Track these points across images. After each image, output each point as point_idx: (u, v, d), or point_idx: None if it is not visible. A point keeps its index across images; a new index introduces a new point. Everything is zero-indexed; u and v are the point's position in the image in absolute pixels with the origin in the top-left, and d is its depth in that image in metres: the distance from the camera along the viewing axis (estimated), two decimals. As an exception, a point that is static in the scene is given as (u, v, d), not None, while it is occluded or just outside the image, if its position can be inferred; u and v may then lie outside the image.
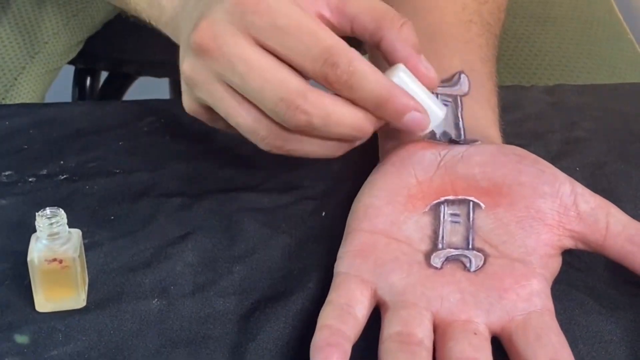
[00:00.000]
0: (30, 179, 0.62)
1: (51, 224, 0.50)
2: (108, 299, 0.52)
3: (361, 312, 0.49)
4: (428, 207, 0.53)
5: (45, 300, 0.51)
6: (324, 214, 0.59)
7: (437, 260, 0.50)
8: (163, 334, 0.50)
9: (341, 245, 0.53)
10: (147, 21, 0.62)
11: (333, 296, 0.49)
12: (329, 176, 0.63)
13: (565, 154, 0.64)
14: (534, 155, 0.54)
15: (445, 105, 0.57)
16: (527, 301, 0.48)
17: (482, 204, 0.52)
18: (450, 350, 0.46)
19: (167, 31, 0.59)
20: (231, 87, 0.51)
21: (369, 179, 0.55)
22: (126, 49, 1.04)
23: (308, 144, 0.52)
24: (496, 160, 0.53)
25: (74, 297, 0.51)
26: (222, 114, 0.52)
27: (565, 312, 0.51)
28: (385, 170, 0.55)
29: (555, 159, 0.56)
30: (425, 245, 0.51)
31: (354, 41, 0.52)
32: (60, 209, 0.50)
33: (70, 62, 0.93)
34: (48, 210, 0.50)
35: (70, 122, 0.68)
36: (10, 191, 0.60)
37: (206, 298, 0.52)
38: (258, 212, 0.59)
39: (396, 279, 0.50)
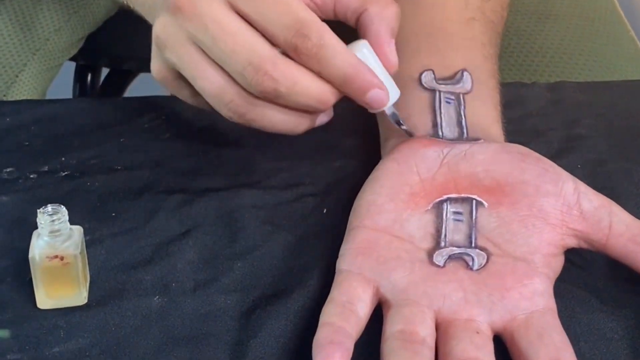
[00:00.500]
0: (31, 176, 0.61)
1: (52, 220, 0.50)
2: (109, 296, 0.52)
3: (363, 310, 0.48)
4: (430, 205, 0.53)
5: (47, 297, 0.51)
6: (325, 211, 0.59)
7: (439, 258, 0.50)
8: (164, 331, 0.50)
9: (343, 243, 0.52)
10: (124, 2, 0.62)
11: (335, 294, 0.49)
12: (329, 173, 0.62)
13: (567, 152, 0.64)
14: (537, 154, 0.54)
15: (448, 103, 0.57)
16: (530, 300, 0.48)
17: (485, 203, 0.52)
18: (453, 349, 0.46)
19: (143, 9, 0.60)
20: (201, 50, 0.51)
21: (371, 176, 0.55)
22: (127, 46, 1.03)
23: (270, 113, 0.52)
24: (499, 159, 0.53)
25: (75, 294, 0.51)
26: (188, 76, 0.53)
27: (567, 309, 0.51)
28: (387, 168, 0.55)
29: (556, 157, 0.56)
30: (427, 244, 0.51)
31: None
32: (62, 206, 0.50)
33: (72, 59, 0.93)
34: (49, 207, 0.50)
35: (72, 118, 0.68)
36: (11, 188, 0.60)
37: (207, 295, 0.52)
38: (259, 209, 0.59)
39: (398, 277, 0.49)
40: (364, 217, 0.53)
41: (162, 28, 0.53)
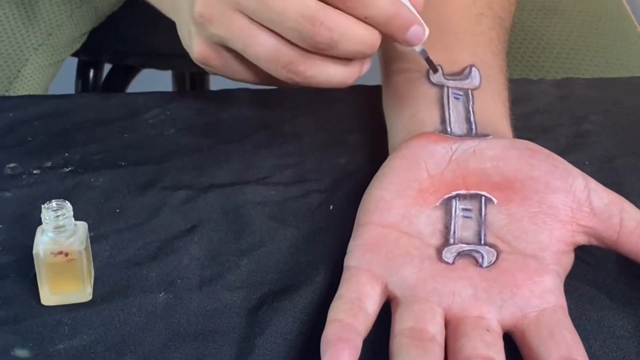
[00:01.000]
0: (34, 171, 0.61)
1: (57, 216, 0.49)
2: (114, 292, 0.52)
3: (372, 306, 0.48)
4: (439, 201, 0.52)
5: (51, 294, 0.51)
6: (331, 207, 0.59)
7: (448, 255, 0.50)
8: (170, 328, 0.50)
9: (351, 239, 0.52)
10: None
11: (343, 290, 0.49)
12: (335, 169, 0.62)
13: (574, 148, 0.64)
14: (547, 150, 0.53)
15: (457, 99, 0.57)
16: (540, 298, 0.48)
17: (494, 199, 0.52)
18: (463, 346, 0.46)
19: None
20: (248, 17, 0.52)
21: (380, 172, 0.55)
22: (130, 41, 1.03)
23: (326, 66, 0.53)
24: (508, 155, 0.52)
25: (80, 291, 0.51)
26: (239, 46, 0.53)
27: (577, 307, 0.51)
28: (396, 164, 0.54)
29: (564, 153, 0.55)
30: (436, 240, 0.51)
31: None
32: (67, 202, 0.50)
33: (74, 54, 0.92)
34: (54, 203, 0.50)
35: (75, 114, 0.67)
36: (14, 183, 0.60)
37: (213, 292, 0.52)
38: (265, 205, 0.59)
39: (408, 274, 0.49)
40: (373, 213, 0.52)
41: (203, 4, 0.52)
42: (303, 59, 0.52)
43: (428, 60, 0.56)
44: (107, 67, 1.11)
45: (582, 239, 0.51)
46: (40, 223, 0.50)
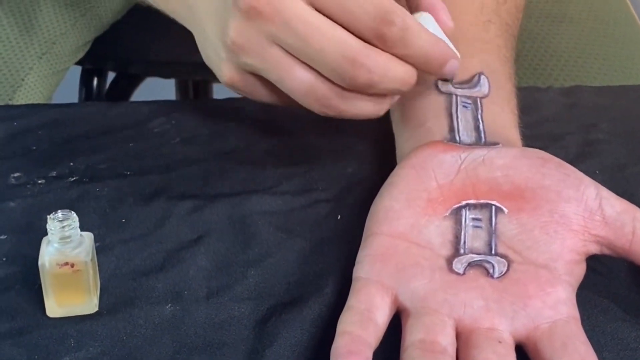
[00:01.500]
0: (39, 181, 0.61)
1: (63, 227, 0.49)
2: (120, 303, 0.51)
3: (382, 318, 0.47)
4: (449, 211, 0.52)
5: (57, 305, 0.50)
6: (339, 217, 0.58)
7: (459, 265, 0.49)
8: (177, 340, 0.49)
9: (360, 249, 0.51)
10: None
11: (353, 301, 0.48)
12: (343, 178, 0.62)
13: (584, 157, 0.63)
14: (557, 159, 0.53)
15: (465, 107, 0.56)
16: (553, 309, 0.47)
17: (504, 209, 0.51)
18: (474, 359, 0.45)
19: (170, 6, 0.59)
20: (285, 50, 0.51)
21: (388, 181, 0.54)
22: (133, 50, 1.03)
23: (361, 102, 0.53)
24: (519, 164, 0.52)
25: (86, 302, 0.50)
26: (273, 78, 0.53)
27: (589, 318, 0.50)
28: (404, 173, 0.54)
29: (574, 162, 0.54)
30: (446, 250, 0.50)
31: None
32: (72, 212, 0.49)
33: (78, 63, 0.92)
34: (60, 213, 0.49)
35: (80, 123, 0.67)
36: (19, 193, 0.59)
37: (221, 303, 0.51)
38: (272, 215, 0.58)
39: (418, 285, 0.48)
40: (382, 223, 0.52)
41: (238, 33, 0.52)
42: (337, 95, 0.52)
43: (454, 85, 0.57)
44: (111, 76, 1.11)
45: (594, 249, 0.50)
46: (45, 233, 0.49)
